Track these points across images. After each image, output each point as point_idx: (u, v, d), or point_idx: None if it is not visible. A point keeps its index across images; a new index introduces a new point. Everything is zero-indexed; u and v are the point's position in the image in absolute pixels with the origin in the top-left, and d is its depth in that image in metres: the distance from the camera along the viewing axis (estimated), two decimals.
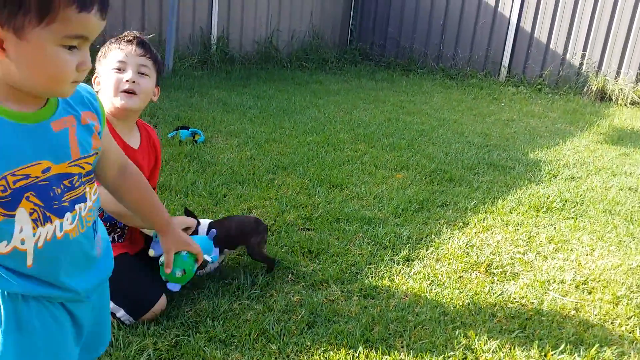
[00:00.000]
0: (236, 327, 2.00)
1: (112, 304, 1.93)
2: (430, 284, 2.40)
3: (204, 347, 1.88)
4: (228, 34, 7.40)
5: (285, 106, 5.55)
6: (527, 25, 7.99)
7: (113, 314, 1.94)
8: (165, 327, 1.98)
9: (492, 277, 2.52)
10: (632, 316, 2.26)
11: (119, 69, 1.97)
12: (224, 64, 7.22)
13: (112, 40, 2.03)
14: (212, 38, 7.20)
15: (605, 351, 2.02)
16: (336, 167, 3.84)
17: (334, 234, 2.81)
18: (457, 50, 8.57)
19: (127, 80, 1.96)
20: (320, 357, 1.88)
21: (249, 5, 7.64)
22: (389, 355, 1.92)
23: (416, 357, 1.92)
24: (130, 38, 2.00)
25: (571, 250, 2.85)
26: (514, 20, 8.04)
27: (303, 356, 1.89)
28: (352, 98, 6.39)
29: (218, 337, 1.94)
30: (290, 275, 2.40)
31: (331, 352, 1.91)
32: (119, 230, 2.11)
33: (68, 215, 1.09)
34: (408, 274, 2.49)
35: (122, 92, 1.96)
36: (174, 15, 5.99)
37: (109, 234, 2.05)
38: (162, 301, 2.02)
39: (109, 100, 1.96)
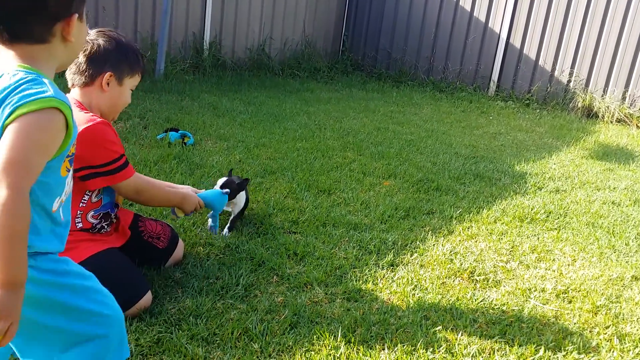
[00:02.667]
0: (219, 326, 2.01)
1: None
2: (413, 289, 2.43)
3: (186, 344, 1.88)
4: (220, 40, 7.44)
5: (275, 112, 5.58)
6: (516, 41, 8.11)
7: None
8: (147, 323, 1.98)
9: (475, 284, 2.54)
10: (610, 325, 2.30)
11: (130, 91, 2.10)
12: (216, 69, 7.25)
13: (137, 52, 2.06)
14: (204, 43, 7.23)
15: (582, 358, 2.05)
16: (324, 173, 3.86)
17: (319, 238, 2.83)
18: (448, 63, 8.67)
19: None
20: (301, 357, 1.89)
21: (242, 12, 7.69)
22: (369, 356, 1.93)
23: (397, 359, 1.93)
24: (143, 66, 2.11)
25: (553, 260, 2.89)
26: (503, 36, 8.16)
27: (285, 355, 1.90)
28: (342, 107, 6.43)
29: (200, 334, 1.95)
30: (275, 277, 2.41)
31: (313, 352, 1.92)
32: (108, 220, 2.11)
33: None
34: (392, 278, 2.51)
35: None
36: (166, 19, 6.02)
37: (99, 222, 2.05)
38: (148, 297, 2.03)
39: (110, 108, 2.05)
